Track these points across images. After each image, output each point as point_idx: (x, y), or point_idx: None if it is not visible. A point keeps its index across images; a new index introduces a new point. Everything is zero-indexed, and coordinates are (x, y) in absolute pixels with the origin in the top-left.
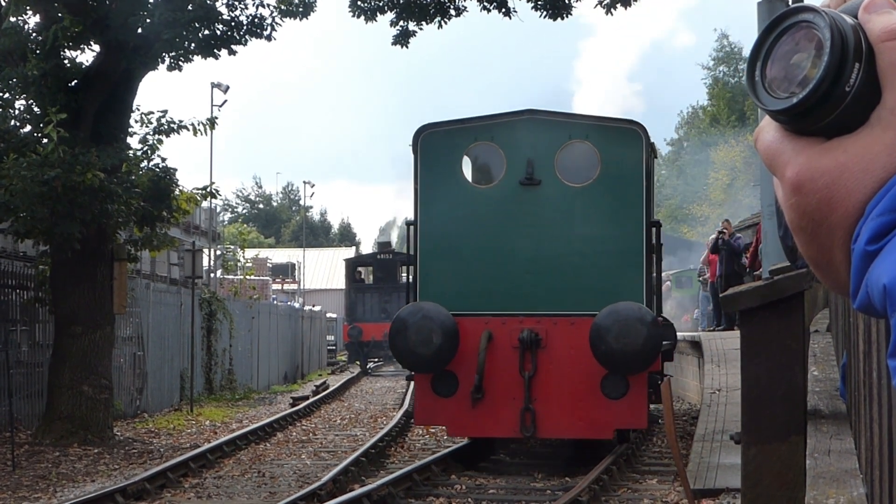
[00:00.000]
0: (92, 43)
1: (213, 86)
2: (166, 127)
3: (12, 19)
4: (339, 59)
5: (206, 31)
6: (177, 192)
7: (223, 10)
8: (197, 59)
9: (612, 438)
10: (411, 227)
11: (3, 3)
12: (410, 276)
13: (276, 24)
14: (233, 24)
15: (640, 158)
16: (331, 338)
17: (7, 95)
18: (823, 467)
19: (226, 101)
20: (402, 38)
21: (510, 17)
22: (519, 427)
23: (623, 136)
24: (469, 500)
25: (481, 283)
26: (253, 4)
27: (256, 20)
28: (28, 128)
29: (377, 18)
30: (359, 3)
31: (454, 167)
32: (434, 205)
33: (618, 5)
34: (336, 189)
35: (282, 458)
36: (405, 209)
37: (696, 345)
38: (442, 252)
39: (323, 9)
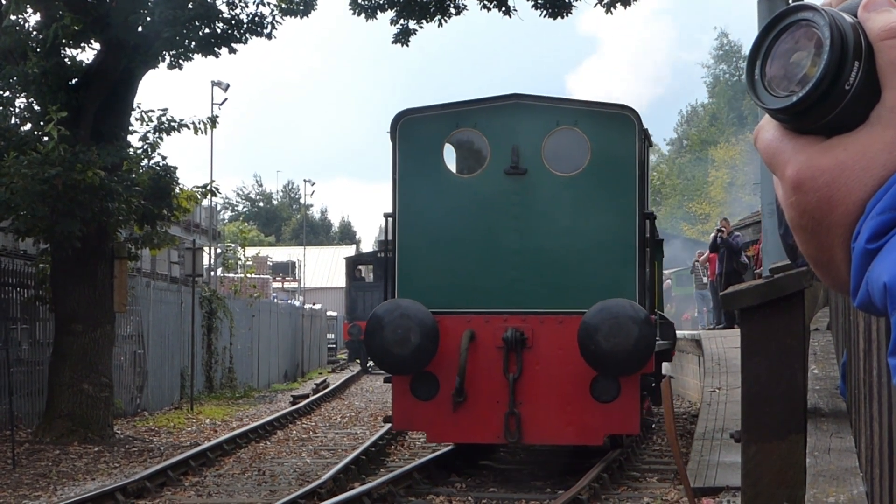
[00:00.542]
0: (92, 41)
1: (214, 84)
2: (167, 125)
3: (13, 17)
4: (340, 57)
5: (207, 30)
6: (177, 190)
7: (223, 8)
8: (197, 57)
9: (601, 445)
10: (389, 220)
11: (4, 2)
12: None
13: (277, 22)
14: (233, 22)
15: (633, 146)
16: (331, 336)
17: (7, 93)
18: (823, 465)
19: (226, 99)
20: (403, 37)
21: (510, 16)
22: (503, 432)
23: (614, 122)
24: (469, 497)
25: (463, 278)
26: (253, 3)
27: (257, 18)
28: (28, 126)
29: (377, 17)
30: (359, 1)
31: (435, 155)
32: (414, 196)
33: (617, 4)
34: (336, 187)
35: (282, 456)
36: None
37: (696, 343)
38: (421, 246)
39: (323, 7)
